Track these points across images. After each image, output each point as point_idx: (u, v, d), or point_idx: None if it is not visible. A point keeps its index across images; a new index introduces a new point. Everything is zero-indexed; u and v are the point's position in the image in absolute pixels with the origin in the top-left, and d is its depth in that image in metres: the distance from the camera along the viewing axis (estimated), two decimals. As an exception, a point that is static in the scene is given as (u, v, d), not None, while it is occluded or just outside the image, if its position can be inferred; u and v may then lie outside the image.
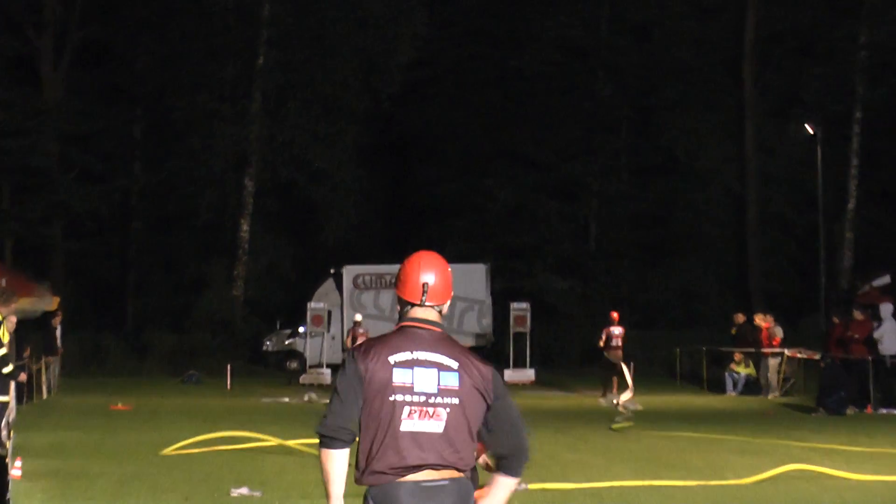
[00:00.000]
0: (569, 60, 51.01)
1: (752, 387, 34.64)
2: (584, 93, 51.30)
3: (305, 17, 47.16)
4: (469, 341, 42.30)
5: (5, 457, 14.41)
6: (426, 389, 6.11)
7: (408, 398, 6.08)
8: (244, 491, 15.04)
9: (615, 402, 29.51)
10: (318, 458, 6.23)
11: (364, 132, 49.40)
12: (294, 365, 41.13)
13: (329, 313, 40.05)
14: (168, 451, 19.34)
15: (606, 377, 33.21)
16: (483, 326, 42.37)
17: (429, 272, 6.40)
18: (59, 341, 32.72)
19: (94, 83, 49.45)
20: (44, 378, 30.90)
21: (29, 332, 28.79)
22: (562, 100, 50.87)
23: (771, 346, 34.14)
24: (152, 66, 48.41)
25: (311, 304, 39.43)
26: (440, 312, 6.40)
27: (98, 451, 19.97)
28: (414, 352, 6.19)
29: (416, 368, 6.14)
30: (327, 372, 37.65)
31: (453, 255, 43.48)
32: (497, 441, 6.31)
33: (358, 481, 6.18)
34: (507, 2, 51.37)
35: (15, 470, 15.36)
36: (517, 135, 50.34)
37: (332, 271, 42.43)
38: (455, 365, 6.19)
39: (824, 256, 46.10)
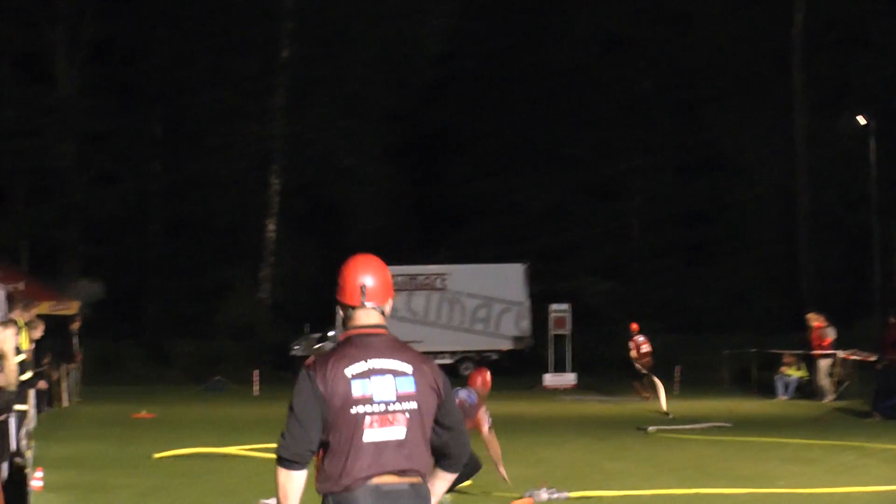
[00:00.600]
0: (606, 53, 50.96)
1: (805, 390, 34.55)
2: (622, 87, 51.15)
3: (329, 8, 47.26)
4: (507, 344, 42.39)
5: (25, 467, 14.55)
6: (385, 398, 6.30)
7: (368, 409, 6.27)
8: (272, 503, 15.17)
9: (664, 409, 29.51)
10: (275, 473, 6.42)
11: (392, 129, 49.54)
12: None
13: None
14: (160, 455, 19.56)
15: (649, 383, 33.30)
16: (521, 329, 42.42)
17: (365, 273, 6.57)
18: (77, 348, 32.86)
19: (110, 79, 49.25)
20: (63, 386, 31.09)
21: (46, 339, 28.93)
22: (600, 94, 50.70)
23: (821, 347, 34.08)
24: (170, 61, 48.38)
25: (340, 303, 39.57)
26: (382, 314, 6.55)
27: (120, 461, 20.08)
28: (368, 360, 6.37)
29: (372, 378, 6.32)
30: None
31: (489, 256, 43.61)
32: (443, 439, 6.54)
33: (319, 490, 6.38)
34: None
35: (35, 481, 15.50)
36: (553, 131, 50.41)
37: None
38: (409, 369, 6.38)
39: (878, 255, 45.94)
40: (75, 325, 32.83)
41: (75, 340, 32.70)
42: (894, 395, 29.09)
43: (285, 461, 6.33)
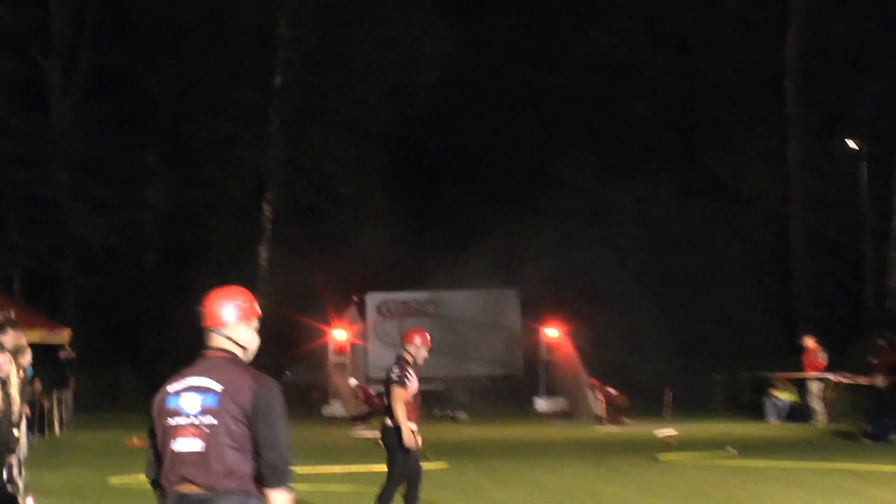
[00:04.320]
0: (605, 79, 51.07)
1: (796, 414, 34.61)
2: (621, 112, 51.28)
3: (324, 36, 47.47)
4: (499, 369, 42.36)
5: (17, 495, 14.51)
6: (189, 411, 7.02)
7: (177, 420, 7.04)
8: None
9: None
10: None
11: (390, 156, 49.68)
12: (318, 396, 41.26)
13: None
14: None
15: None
16: (513, 354, 42.43)
17: (213, 301, 7.49)
18: (69, 375, 32.85)
19: (106, 109, 49.41)
20: (55, 413, 31.08)
21: (38, 367, 28.95)
22: (598, 120, 50.87)
23: (814, 370, 34.18)
24: (166, 90, 48.58)
25: (334, 333, 39.72)
26: (234, 340, 7.35)
27: (112, 489, 20.07)
28: (188, 377, 7.17)
29: (184, 393, 7.09)
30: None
31: (484, 282, 43.66)
32: (259, 455, 6.98)
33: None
34: (539, 19, 51.48)
35: (26, 507, 15.44)
36: (551, 157, 50.42)
37: (354, 299, 42.62)
38: (219, 388, 7.03)
39: (872, 278, 46.02)
40: (65, 353, 32.86)
41: (68, 369, 32.73)
42: (883, 417, 29.29)
43: (151, 483, 7.31)
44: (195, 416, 6.98)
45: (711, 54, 50.71)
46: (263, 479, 6.98)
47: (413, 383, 14.97)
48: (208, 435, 6.94)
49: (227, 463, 6.97)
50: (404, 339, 15.32)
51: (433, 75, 48.45)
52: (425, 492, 15.29)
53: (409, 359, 15.02)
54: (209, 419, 6.96)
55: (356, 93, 47.99)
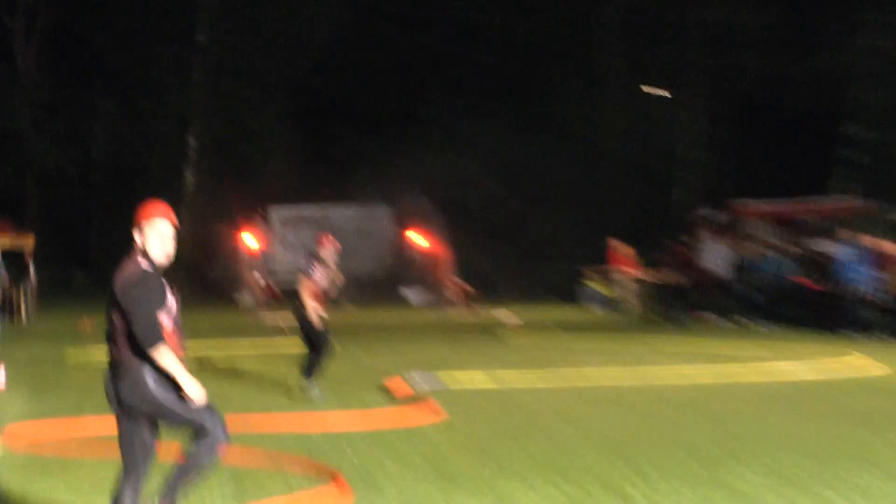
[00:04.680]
0: (462, 37, 51.06)
1: (610, 305, 35.05)
2: (475, 63, 51.38)
3: (239, 5, 47.80)
4: (373, 267, 42.29)
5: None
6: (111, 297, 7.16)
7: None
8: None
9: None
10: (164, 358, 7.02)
11: (290, 98, 49.82)
12: (233, 289, 41.32)
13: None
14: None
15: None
16: (384, 255, 42.57)
17: (138, 210, 7.35)
18: (32, 273, 32.63)
19: (62, 59, 49.13)
20: (22, 302, 30.94)
21: (8, 265, 28.92)
22: (457, 70, 51.11)
23: (623, 267, 34.67)
24: (111, 45, 48.23)
25: (245, 239, 39.87)
26: (143, 241, 7.24)
27: (68, 362, 20.17)
28: None
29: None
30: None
31: (363, 198, 43.95)
32: (131, 330, 7.01)
33: None
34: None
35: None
36: (420, 99, 50.65)
37: (261, 212, 42.64)
38: (115, 279, 7.14)
39: (667, 193, 47.01)
40: (28, 251, 32.75)
41: (31, 268, 32.52)
42: (675, 305, 30.13)
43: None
44: (110, 301, 7.10)
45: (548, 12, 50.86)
46: (140, 344, 6.95)
47: (321, 277, 15.20)
48: (108, 316, 7.11)
49: (122, 337, 7.04)
50: (318, 243, 15.45)
51: (325, 34, 48.56)
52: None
53: (320, 259, 15.25)
54: (113, 304, 7.08)
55: (263, 48, 47.94)
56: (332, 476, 9.84)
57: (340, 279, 15.72)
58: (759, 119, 48.45)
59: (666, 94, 46.74)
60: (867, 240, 26.32)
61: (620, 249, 35.13)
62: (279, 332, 24.91)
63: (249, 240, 40.30)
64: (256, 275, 39.00)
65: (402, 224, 42.41)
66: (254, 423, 12.62)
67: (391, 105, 52.00)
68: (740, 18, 45.55)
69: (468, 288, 35.40)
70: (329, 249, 15.30)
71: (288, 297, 15.75)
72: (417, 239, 40.54)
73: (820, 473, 10.14)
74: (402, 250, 41.67)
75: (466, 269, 36.73)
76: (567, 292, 37.91)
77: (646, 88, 47.86)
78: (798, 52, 44.21)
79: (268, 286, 36.98)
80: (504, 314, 30.50)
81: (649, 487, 9.56)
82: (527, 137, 50.88)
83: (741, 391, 16.36)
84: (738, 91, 47.98)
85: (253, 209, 43.14)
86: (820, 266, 27.47)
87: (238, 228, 41.94)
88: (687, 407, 14.56)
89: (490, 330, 26.97)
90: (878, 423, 13.18)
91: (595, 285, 35.91)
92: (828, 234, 28.53)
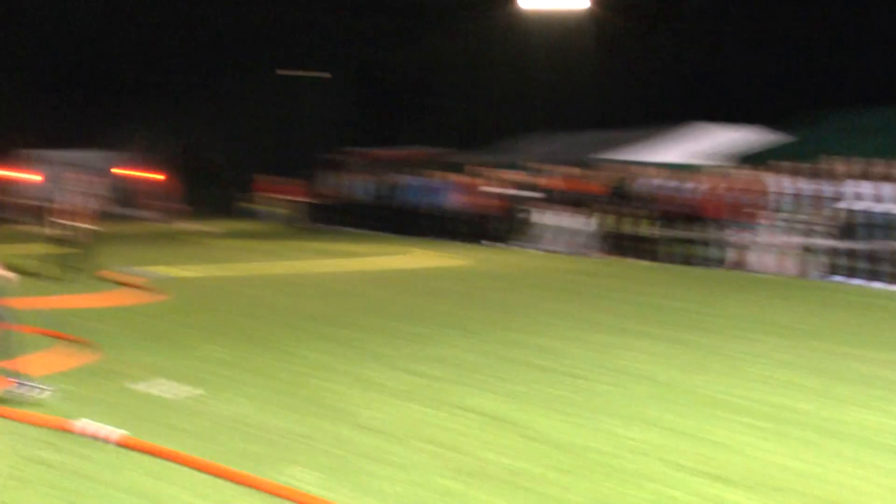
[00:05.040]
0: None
1: (273, 216, 35.26)
2: (206, 36, 52.81)
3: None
4: (108, 196, 41.88)
5: None
6: None
7: None
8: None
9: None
10: None
11: (60, 68, 51.19)
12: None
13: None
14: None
15: None
16: (116, 189, 42.20)
17: None
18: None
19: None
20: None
21: None
22: (193, 42, 52.75)
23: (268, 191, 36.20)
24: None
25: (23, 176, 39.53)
26: None
27: None
28: None
29: None
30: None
31: (107, 145, 43.69)
32: None
33: None
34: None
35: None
36: (159, 67, 52.10)
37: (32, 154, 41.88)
38: None
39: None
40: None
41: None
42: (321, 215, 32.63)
43: None
44: None
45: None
46: None
47: (70, 199, 16.71)
48: None
49: None
50: (70, 177, 16.89)
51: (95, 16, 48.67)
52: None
53: (72, 187, 16.67)
54: None
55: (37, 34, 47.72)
56: (77, 339, 10.15)
57: (90, 201, 16.82)
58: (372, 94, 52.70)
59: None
60: (435, 174, 29.48)
61: (268, 180, 36.48)
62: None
63: (26, 177, 39.58)
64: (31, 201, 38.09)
65: (133, 164, 42.50)
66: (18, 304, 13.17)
67: (145, 71, 53.22)
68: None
69: (184, 207, 35.88)
70: (77, 181, 16.69)
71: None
72: (142, 174, 40.64)
73: (411, 329, 11.90)
74: (128, 182, 41.67)
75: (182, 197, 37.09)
76: (245, 211, 37.95)
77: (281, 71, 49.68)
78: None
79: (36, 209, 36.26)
80: (207, 226, 31.15)
81: (294, 341, 10.91)
82: (223, 107, 52.17)
83: (352, 276, 18.04)
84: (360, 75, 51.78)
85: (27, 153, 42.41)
86: (394, 190, 30.58)
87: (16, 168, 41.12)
88: (317, 286, 16.28)
89: (197, 238, 27.41)
90: (442, 295, 15.48)
91: (253, 205, 36.67)
92: (405, 170, 31.88)
